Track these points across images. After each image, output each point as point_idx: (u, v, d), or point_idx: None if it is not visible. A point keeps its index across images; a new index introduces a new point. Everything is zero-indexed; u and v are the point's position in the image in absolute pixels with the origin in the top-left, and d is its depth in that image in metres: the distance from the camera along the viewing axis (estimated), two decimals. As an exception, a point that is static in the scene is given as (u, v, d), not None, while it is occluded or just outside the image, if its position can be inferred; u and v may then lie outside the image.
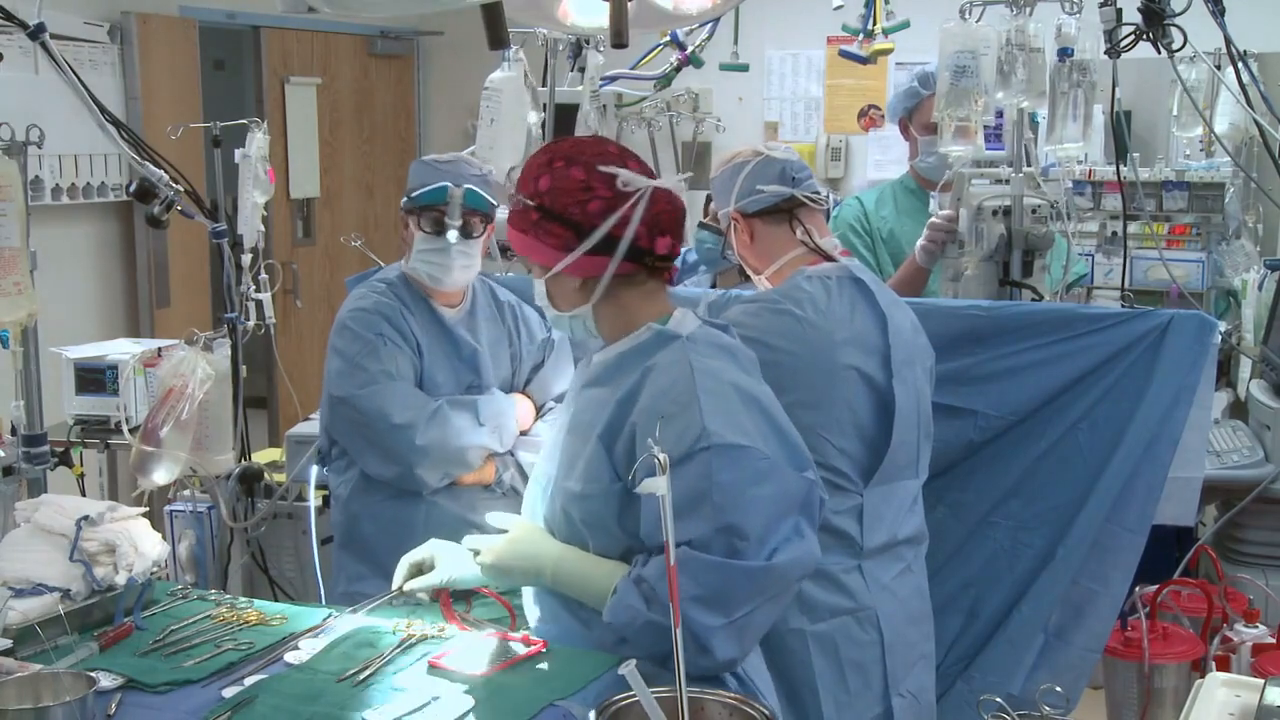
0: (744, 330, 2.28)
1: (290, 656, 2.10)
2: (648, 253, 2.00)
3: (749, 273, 2.66)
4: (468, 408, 2.81)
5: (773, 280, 2.56)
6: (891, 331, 2.48)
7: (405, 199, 2.84)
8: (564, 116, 3.65)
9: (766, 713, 1.79)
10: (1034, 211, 3.19)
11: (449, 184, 2.78)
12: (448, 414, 2.76)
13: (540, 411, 2.98)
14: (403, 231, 2.87)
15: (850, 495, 2.44)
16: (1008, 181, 3.23)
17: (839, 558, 2.42)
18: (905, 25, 3.73)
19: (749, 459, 1.91)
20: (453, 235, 2.78)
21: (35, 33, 2.57)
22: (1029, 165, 3.27)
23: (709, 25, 3.77)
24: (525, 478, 2.80)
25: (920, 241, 3.34)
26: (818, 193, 2.61)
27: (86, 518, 2.28)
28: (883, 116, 6.45)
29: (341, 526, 2.88)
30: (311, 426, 3.27)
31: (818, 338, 2.41)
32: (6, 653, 2.04)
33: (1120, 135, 3.72)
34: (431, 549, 2.33)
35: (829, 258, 2.54)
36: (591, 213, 1.97)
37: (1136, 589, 2.98)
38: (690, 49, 3.88)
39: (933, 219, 3.30)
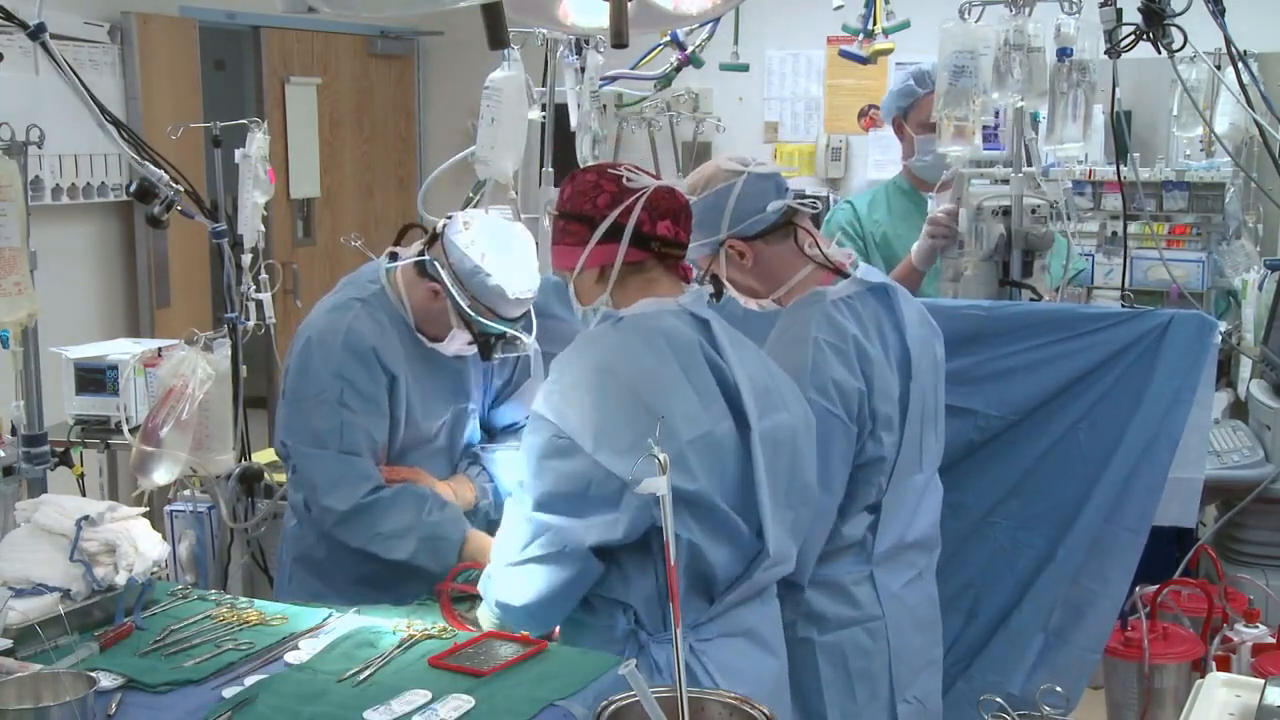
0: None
1: (290, 656, 2.10)
2: (652, 238, 2.18)
3: (746, 299, 2.54)
4: (408, 509, 2.59)
5: (783, 300, 2.49)
6: (910, 338, 2.46)
7: (453, 281, 2.59)
8: (564, 116, 3.65)
9: (767, 713, 1.80)
10: (1034, 211, 3.19)
11: (521, 336, 2.64)
12: (380, 513, 2.58)
13: (516, 427, 2.91)
14: (417, 274, 2.65)
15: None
16: (1007, 181, 3.23)
17: (851, 567, 2.41)
18: (905, 25, 3.72)
19: (547, 432, 2.11)
20: (495, 357, 2.70)
21: (35, 33, 2.57)
22: (1029, 165, 3.27)
23: (709, 25, 3.76)
24: (499, 505, 2.75)
25: (920, 241, 3.32)
26: (803, 193, 2.57)
27: (86, 518, 2.28)
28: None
29: (297, 539, 2.76)
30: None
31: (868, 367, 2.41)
32: (6, 653, 2.04)
33: (1120, 135, 3.71)
34: None
35: (839, 271, 2.46)
36: (600, 205, 2.18)
37: (1136, 589, 2.98)
38: (690, 49, 3.88)
39: (934, 213, 3.28)
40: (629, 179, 2.18)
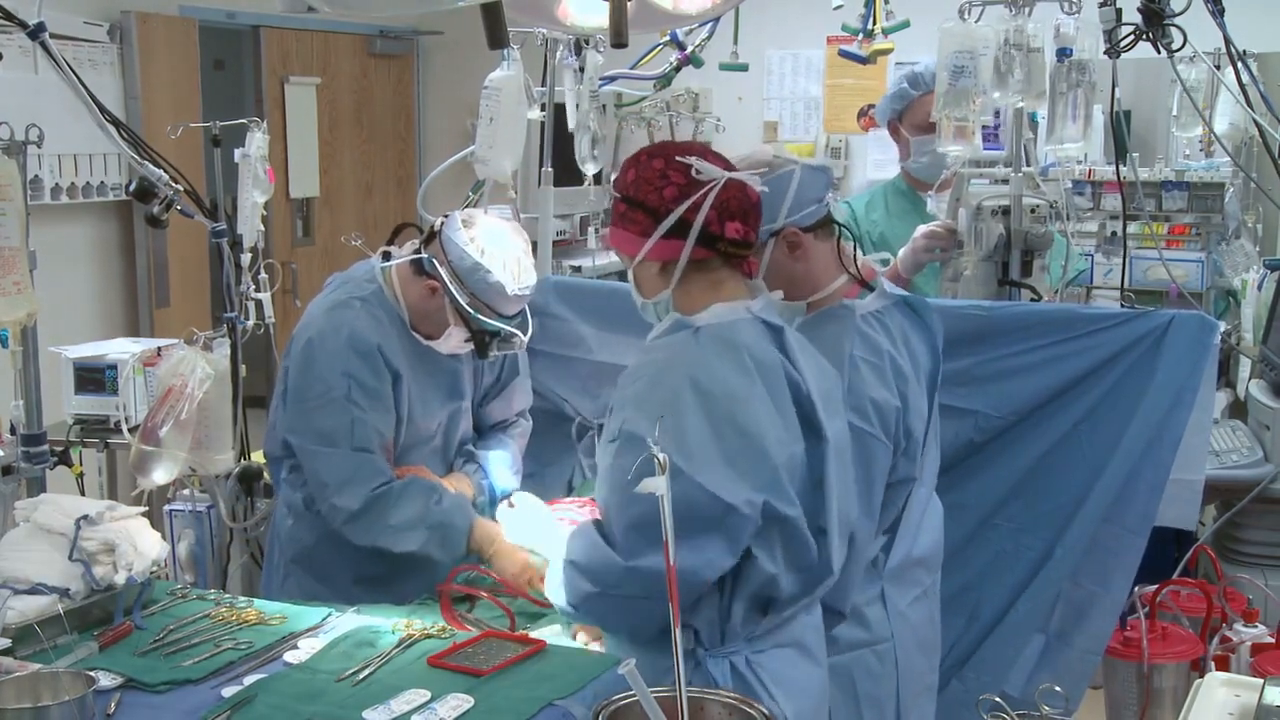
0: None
1: (290, 656, 2.11)
2: (719, 238, 2.07)
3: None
4: (417, 499, 2.61)
5: (811, 310, 2.39)
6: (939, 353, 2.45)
7: (452, 278, 2.60)
8: (564, 116, 3.64)
9: (766, 713, 1.79)
10: (1033, 211, 3.19)
11: (518, 334, 2.66)
12: (390, 505, 2.58)
13: (504, 425, 2.94)
14: (414, 272, 2.67)
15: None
16: (1007, 181, 3.23)
17: (863, 586, 2.36)
18: (905, 25, 3.72)
19: (641, 452, 1.85)
20: (491, 354, 2.71)
21: (35, 32, 2.57)
22: (1028, 165, 3.27)
23: (709, 25, 3.76)
24: (494, 503, 2.76)
25: (909, 249, 3.26)
26: None
27: (86, 517, 2.28)
28: (883, 116, 6.45)
29: (295, 540, 2.75)
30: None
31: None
32: (6, 652, 2.04)
33: (1120, 135, 3.71)
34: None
35: (864, 283, 2.40)
36: (667, 198, 2.07)
37: (1136, 589, 2.98)
38: (690, 49, 3.87)
39: (931, 227, 3.26)
40: (698, 170, 2.05)
